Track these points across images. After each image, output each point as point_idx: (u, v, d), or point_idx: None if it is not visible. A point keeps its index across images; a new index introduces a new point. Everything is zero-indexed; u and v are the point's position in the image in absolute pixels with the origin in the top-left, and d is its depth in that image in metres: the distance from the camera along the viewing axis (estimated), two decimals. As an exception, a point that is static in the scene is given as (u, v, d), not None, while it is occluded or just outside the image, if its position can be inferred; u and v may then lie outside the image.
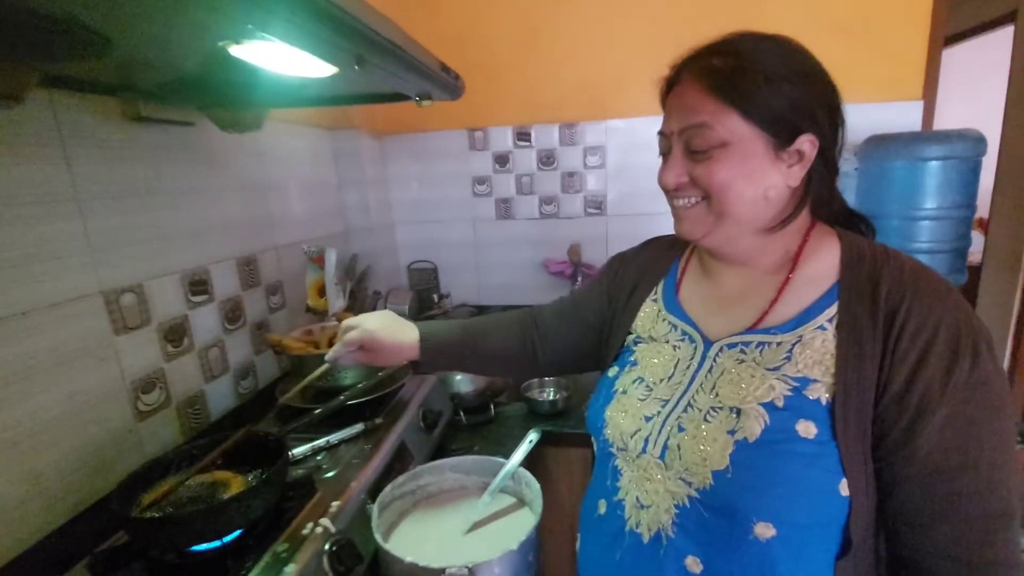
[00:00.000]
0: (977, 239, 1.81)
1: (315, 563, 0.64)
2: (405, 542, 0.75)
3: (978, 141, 1.35)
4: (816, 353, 0.55)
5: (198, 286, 1.01)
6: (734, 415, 0.56)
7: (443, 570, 0.63)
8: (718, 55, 0.57)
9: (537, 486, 0.80)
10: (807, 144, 0.55)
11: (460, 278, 1.93)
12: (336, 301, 1.28)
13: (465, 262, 1.94)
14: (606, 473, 0.68)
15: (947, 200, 1.38)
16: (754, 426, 0.54)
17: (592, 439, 0.73)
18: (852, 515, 0.53)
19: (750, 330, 0.61)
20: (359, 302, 1.54)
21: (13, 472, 0.68)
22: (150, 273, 0.90)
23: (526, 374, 0.89)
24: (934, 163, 1.37)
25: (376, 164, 1.79)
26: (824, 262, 0.60)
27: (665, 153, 0.63)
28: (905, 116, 1.56)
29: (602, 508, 0.69)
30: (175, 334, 0.95)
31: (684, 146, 0.59)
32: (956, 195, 1.38)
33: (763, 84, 0.53)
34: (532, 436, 0.87)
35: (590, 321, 0.81)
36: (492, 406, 1.30)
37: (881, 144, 1.42)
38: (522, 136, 1.81)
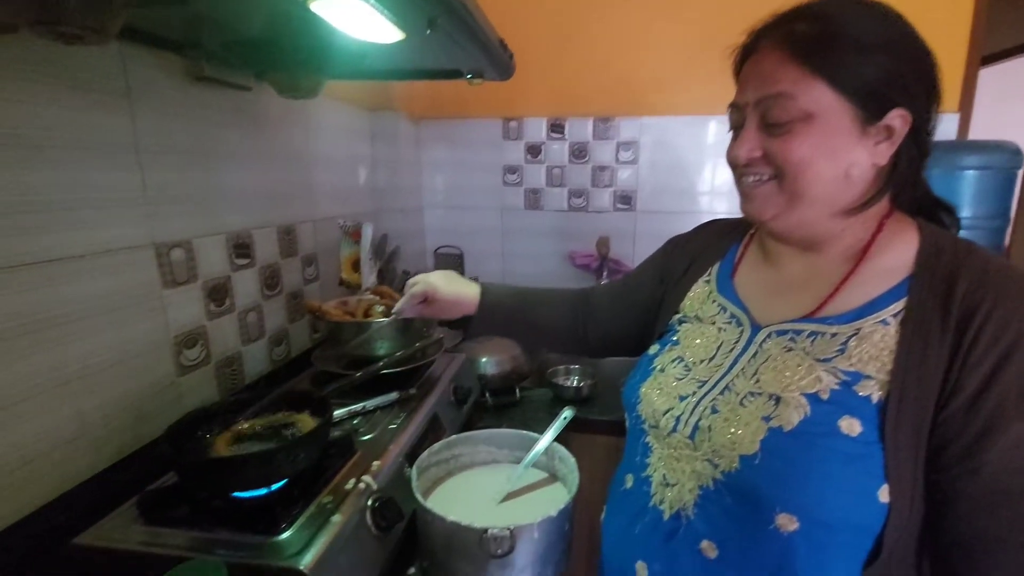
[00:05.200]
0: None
1: (358, 516, 0.65)
2: (442, 506, 0.76)
3: (1015, 153, 1.34)
4: (874, 348, 0.52)
5: (241, 249, 1.02)
6: (772, 402, 0.54)
7: (485, 530, 0.64)
8: (803, 20, 0.53)
9: (572, 460, 0.80)
10: (898, 120, 0.52)
11: (485, 265, 1.94)
12: (369, 276, 1.29)
13: (491, 250, 1.95)
14: (636, 449, 0.68)
15: (982, 210, 1.37)
16: (792, 415, 0.52)
17: (625, 414, 0.74)
18: (889, 525, 0.49)
19: (804, 319, 0.58)
20: (387, 281, 1.55)
21: (63, 411, 0.69)
22: (198, 231, 0.92)
23: (574, 350, 0.90)
24: (971, 172, 1.36)
25: (411, 147, 1.81)
26: (898, 254, 0.56)
27: (737, 127, 0.60)
28: (941, 127, 1.55)
29: (629, 482, 0.69)
30: (218, 294, 0.96)
31: (760, 118, 0.56)
32: (991, 205, 1.37)
33: (854, 51, 0.50)
34: (566, 413, 0.88)
35: (641, 302, 0.81)
36: (517, 389, 1.30)
37: (921, 151, 1.41)
38: (556, 128, 1.82)
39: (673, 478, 0.60)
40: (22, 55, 0.63)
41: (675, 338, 0.69)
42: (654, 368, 0.67)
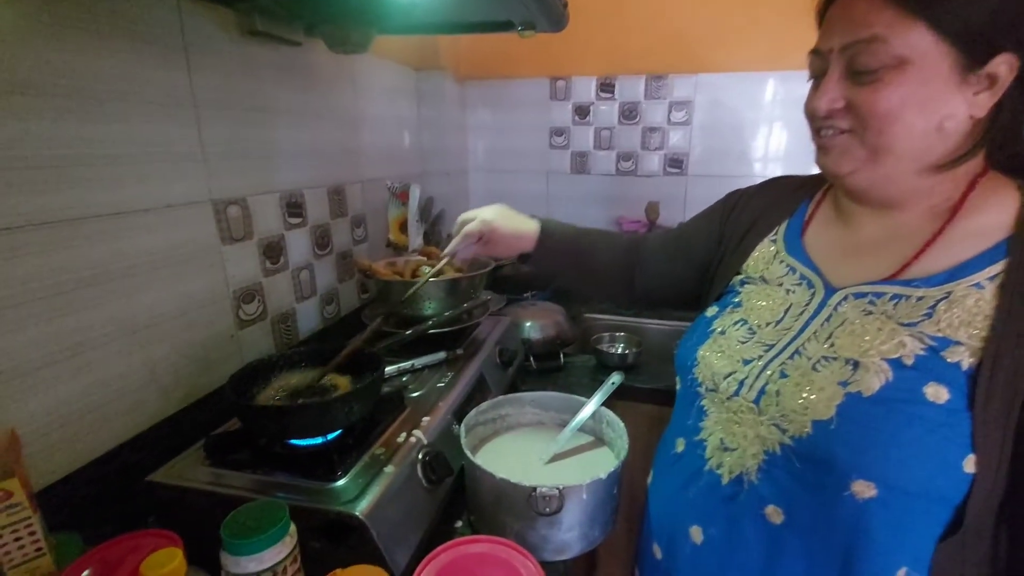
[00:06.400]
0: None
1: (409, 469, 0.66)
2: (489, 463, 0.76)
3: None
4: (966, 313, 0.49)
5: (294, 208, 1.03)
6: (850, 367, 0.52)
7: (534, 488, 0.64)
8: None
9: (621, 425, 0.79)
10: (1004, 66, 0.47)
11: (529, 231, 1.92)
12: (416, 238, 1.29)
13: (536, 215, 1.92)
14: (689, 412, 0.66)
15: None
16: (872, 381, 0.50)
17: (677, 377, 0.71)
18: (972, 496, 0.47)
19: (886, 281, 0.55)
20: (432, 245, 1.56)
21: (132, 358, 0.72)
22: (254, 189, 0.93)
23: (618, 298, 0.88)
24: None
25: (456, 108, 1.78)
26: (995, 215, 0.52)
27: (818, 75, 0.55)
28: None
29: (680, 446, 0.67)
30: (273, 251, 0.98)
31: (846, 66, 0.51)
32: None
33: None
34: (615, 378, 0.86)
35: (695, 256, 0.77)
36: (561, 355, 1.29)
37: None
38: (605, 87, 1.75)
39: (732, 443, 0.58)
40: (83, 5, 0.64)
41: (736, 299, 0.66)
42: (713, 330, 0.65)
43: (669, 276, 0.81)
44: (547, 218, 0.85)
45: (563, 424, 0.88)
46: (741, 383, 0.58)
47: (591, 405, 0.83)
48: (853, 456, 0.49)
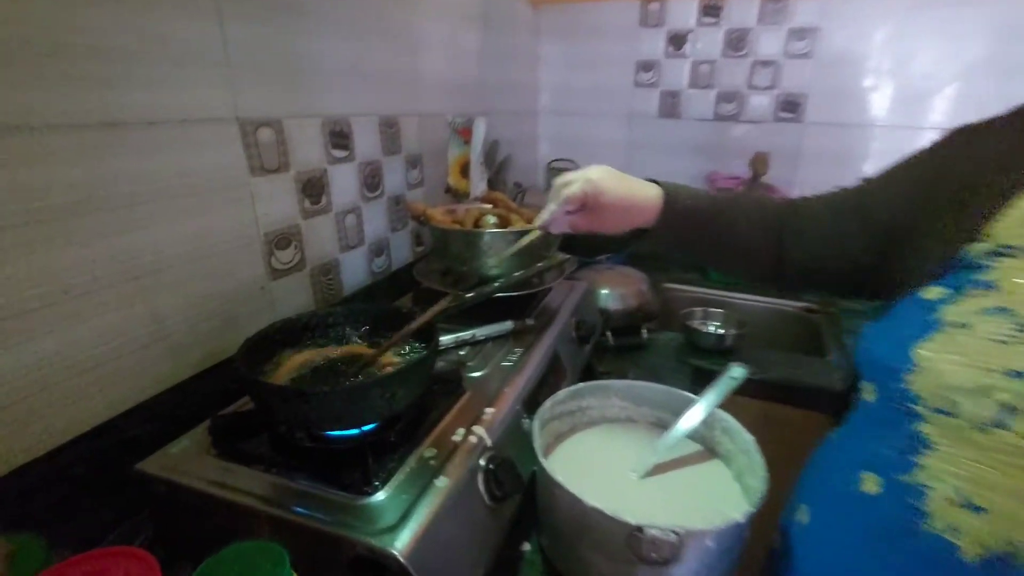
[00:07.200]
0: None
1: (468, 480, 0.49)
2: (566, 470, 0.59)
3: None
4: None
5: (339, 138, 0.86)
6: None
7: (639, 528, 0.46)
8: None
9: (749, 439, 0.59)
10: None
11: (604, 184, 1.67)
12: (480, 183, 1.10)
13: (613, 165, 1.67)
14: (890, 438, 0.45)
15: None
16: None
17: (865, 383, 0.50)
18: None
19: None
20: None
21: (135, 310, 0.58)
22: (290, 110, 0.76)
23: (761, 277, 0.65)
24: None
25: (528, 37, 1.54)
26: None
27: None
28: None
29: (869, 484, 0.46)
30: (313, 188, 0.82)
31: None
32: None
33: None
34: (737, 372, 0.66)
35: (883, 221, 0.54)
36: (644, 330, 1.09)
37: None
38: (710, 10, 1.45)
39: (985, 501, 0.37)
40: None
41: (987, 278, 0.43)
42: (942, 321, 0.42)
43: (839, 249, 0.57)
44: (669, 182, 0.62)
45: (658, 423, 0.69)
46: (1008, 408, 0.37)
47: (704, 405, 0.63)
48: None
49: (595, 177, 0.59)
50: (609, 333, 1.06)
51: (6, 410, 0.48)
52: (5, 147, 0.46)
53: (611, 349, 1.05)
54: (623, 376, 0.96)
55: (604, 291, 1.14)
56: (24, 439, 0.49)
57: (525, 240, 0.67)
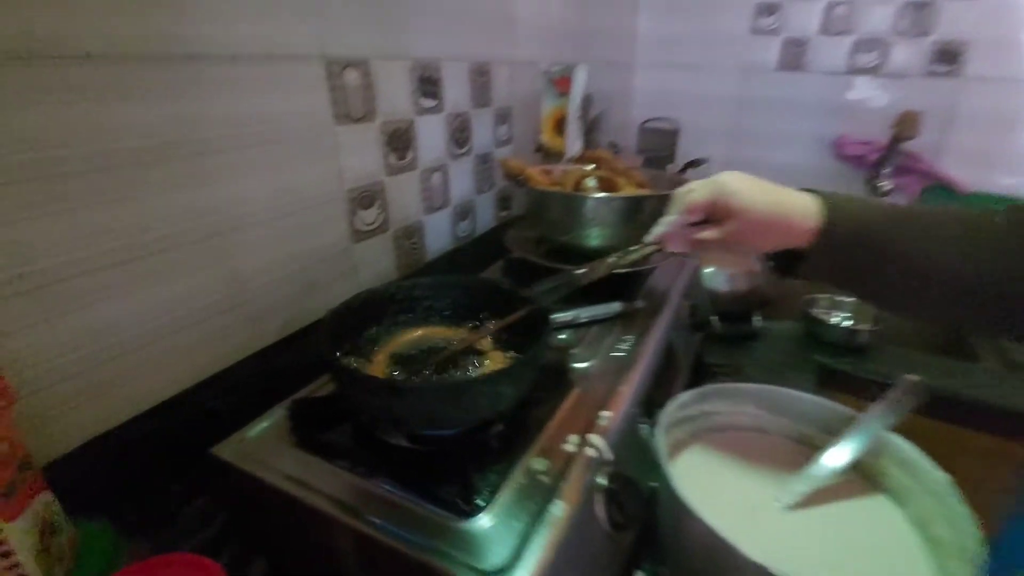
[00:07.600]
0: None
1: (585, 500, 0.40)
2: (695, 494, 0.49)
3: None
4: None
5: (428, 86, 0.77)
6: None
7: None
8: None
9: (942, 478, 0.46)
10: None
11: (706, 148, 1.48)
12: (576, 141, 0.98)
13: (719, 127, 1.49)
14: None
15: None
16: None
17: None
18: None
19: None
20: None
21: (215, 271, 0.53)
22: (378, 50, 0.67)
23: (995, 326, 0.46)
24: None
25: (632, -25, 1.36)
26: None
27: None
28: None
29: None
30: (400, 142, 0.74)
31: None
32: None
33: None
34: (918, 387, 0.52)
35: None
36: (758, 317, 0.95)
37: None
38: (857, -61, 1.21)
39: None
40: None
41: None
42: None
43: None
44: (832, 192, 0.46)
45: (800, 438, 0.57)
46: None
47: (870, 425, 0.51)
48: None
49: (727, 181, 0.45)
50: (716, 319, 0.93)
51: (80, 376, 0.43)
52: (79, 75, 0.40)
53: (717, 337, 0.92)
54: (738, 372, 0.84)
55: (709, 270, 1.00)
56: (99, 409, 0.45)
57: (632, 256, 0.54)
